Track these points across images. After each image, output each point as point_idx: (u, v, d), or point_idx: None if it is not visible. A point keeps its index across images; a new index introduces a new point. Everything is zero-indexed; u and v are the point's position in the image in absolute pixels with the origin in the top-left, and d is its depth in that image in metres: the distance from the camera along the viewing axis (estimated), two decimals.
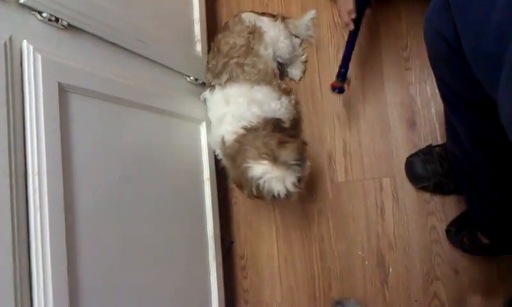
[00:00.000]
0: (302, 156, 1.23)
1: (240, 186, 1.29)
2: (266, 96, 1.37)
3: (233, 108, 1.34)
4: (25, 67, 0.84)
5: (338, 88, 1.30)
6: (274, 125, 1.30)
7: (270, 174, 1.18)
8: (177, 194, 1.34)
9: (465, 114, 0.91)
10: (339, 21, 1.21)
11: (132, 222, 1.10)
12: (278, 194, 1.20)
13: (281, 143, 1.20)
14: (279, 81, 1.49)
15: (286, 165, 1.18)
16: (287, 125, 1.43)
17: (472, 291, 1.39)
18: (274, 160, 1.18)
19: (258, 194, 1.23)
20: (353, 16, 1.21)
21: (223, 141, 1.34)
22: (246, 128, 1.28)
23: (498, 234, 1.23)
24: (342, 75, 1.27)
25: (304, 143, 1.31)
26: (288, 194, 1.21)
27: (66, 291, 0.86)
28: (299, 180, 1.22)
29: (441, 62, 0.85)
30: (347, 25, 1.23)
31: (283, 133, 1.28)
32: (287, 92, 1.47)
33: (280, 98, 1.41)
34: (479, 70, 0.67)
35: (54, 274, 0.83)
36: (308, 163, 1.26)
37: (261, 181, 1.19)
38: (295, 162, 1.19)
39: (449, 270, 1.42)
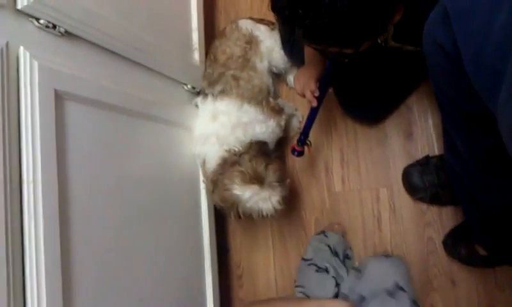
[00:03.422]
0: (283, 175, 1.32)
1: (222, 207, 1.38)
2: (252, 119, 1.40)
3: (219, 127, 1.38)
4: (22, 74, 0.83)
5: (297, 151, 1.38)
6: (258, 148, 1.37)
7: (258, 196, 1.27)
8: (173, 202, 1.33)
9: (463, 126, 0.91)
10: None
11: (127, 231, 1.10)
12: (266, 214, 1.29)
13: (266, 165, 1.29)
14: (271, 100, 1.50)
15: (271, 186, 1.28)
16: (271, 147, 1.49)
17: (469, 303, 1.38)
18: (261, 183, 1.26)
19: (245, 215, 1.31)
20: (316, 94, 1.25)
21: (204, 163, 1.41)
22: (229, 152, 1.34)
23: (496, 245, 1.22)
24: (302, 142, 1.36)
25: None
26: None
27: (61, 300, 0.85)
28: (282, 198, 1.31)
29: (440, 74, 0.85)
30: (310, 102, 1.28)
31: (266, 155, 1.38)
32: (275, 112, 1.47)
33: (266, 121, 1.43)
34: (478, 83, 0.67)
35: (48, 283, 0.82)
36: (288, 180, 1.35)
37: (249, 204, 1.28)
38: (278, 183, 1.29)
39: (446, 282, 1.41)
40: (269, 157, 1.40)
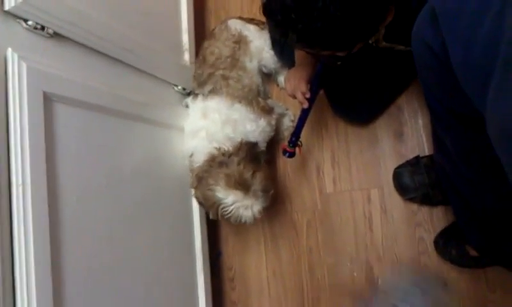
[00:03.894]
0: (269, 185, 1.31)
1: (203, 204, 1.36)
2: (243, 117, 1.40)
3: (209, 123, 1.37)
4: (10, 76, 0.82)
5: (288, 153, 1.38)
6: (247, 150, 1.35)
7: (240, 203, 1.26)
8: (165, 205, 1.32)
9: (452, 126, 0.91)
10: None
11: (117, 233, 1.09)
12: (245, 221, 1.28)
13: (253, 173, 1.27)
14: (260, 100, 1.49)
15: (255, 195, 1.26)
16: (262, 147, 1.47)
17: (460, 304, 1.39)
18: (247, 190, 1.25)
19: (223, 217, 1.29)
20: (307, 96, 1.26)
21: (191, 157, 1.39)
22: (218, 151, 1.32)
23: (486, 245, 1.23)
24: (293, 143, 1.36)
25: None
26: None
27: (51, 303, 0.84)
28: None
29: (428, 74, 0.85)
30: (302, 103, 1.28)
31: (256, 160, 1.37)
32: (265, 111, 1.47)
33: (257, 120, 1.42)
34: (466, 83, 0.67)
35: (38, 286, 0.81)
36: (272, 191, 1.33)
37: (230, 208, 1.26)
38: (263, 193, 1.28)
39: (437, 282, 1.42)
40: (258, 161, 1.39)
